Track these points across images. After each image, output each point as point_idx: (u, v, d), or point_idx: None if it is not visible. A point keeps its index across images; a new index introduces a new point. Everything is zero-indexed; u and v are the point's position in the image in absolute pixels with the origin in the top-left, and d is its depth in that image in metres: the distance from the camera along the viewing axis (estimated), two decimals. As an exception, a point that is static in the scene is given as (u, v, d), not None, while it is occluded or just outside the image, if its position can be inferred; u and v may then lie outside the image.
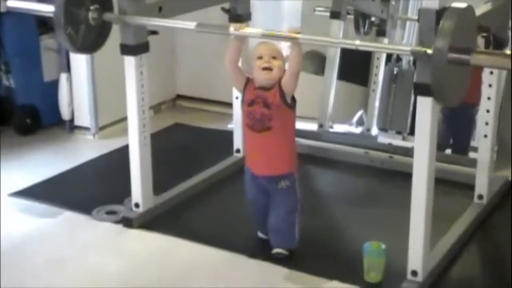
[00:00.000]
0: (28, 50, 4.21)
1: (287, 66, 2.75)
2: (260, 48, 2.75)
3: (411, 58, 3.94)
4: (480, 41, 2.82)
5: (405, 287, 2.63)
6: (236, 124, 3.71)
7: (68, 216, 3.28)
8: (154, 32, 3.11)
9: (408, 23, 4.19)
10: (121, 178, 3.32)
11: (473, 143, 3.78)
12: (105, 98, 4.25)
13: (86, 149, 4.11)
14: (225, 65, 2.81)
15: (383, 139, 3.99)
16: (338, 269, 2.82)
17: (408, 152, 3.47)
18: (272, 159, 2.79)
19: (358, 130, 4.12)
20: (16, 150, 4.05)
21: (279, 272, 2.80)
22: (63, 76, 4.25)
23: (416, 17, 3.94)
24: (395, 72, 4.06)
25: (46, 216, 3.29)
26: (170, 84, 4.86)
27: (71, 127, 4.32)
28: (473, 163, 3.37)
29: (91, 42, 3.07)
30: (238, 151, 3.75)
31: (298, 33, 2.66)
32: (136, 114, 3.10)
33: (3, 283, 2.73)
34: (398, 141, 3.95)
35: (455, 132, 3.85)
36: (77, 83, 4.25)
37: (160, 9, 3.10)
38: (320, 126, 4.15)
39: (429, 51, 2.37)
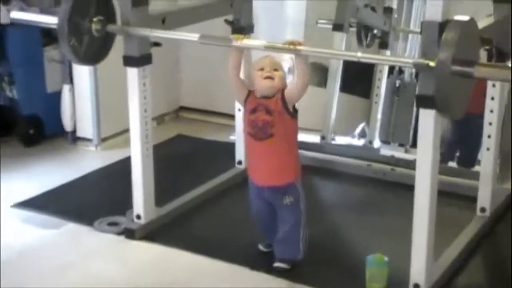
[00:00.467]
0: (31, 61, 4.22)
1: (290, 78, 2.75)
2: (261, 61, 2.79)
3: (413, 70, 3.96)
4: (483, 54, 2.82)
5: (407, 300, 2.62)
6: (238, 136, 3.71)
7: (70, 227, 3.28)
8: (157, 44, 3.12)
9: (410, 35, 4.21)
10: (123, 189, 3.32)
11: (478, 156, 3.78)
12: (107, 110, 4.26)
13: (88, 160, 4.11)
14: (228, 76, 2.82)
15: (386, 151, 4.00)
16: (340, 280, 2.81)
17: (410, 165, 3.47)
18: (275, 167, 2.78)
19: (361, 142, 4.13)
20: (19, 160, 4.05)
21: (280, 284, 2.80)
22: (66, 88, 4.26)
23: (418, 30, 3.99)
24: (397, 85, 4.07)
25: (48, 227, 3.29)
26: (173, 95, 4.86)
27: (74, 138, 4.32)
28: (475, 175, 3.36)
29: (94, 54, 3.08)
30: (240, 162, 3.75)
31: (300, 44, 2.66)
32: (138, 126, 3.11)
33: (4, 294, 2.73)
34: (400, 153, 3.96)
35: (462, 143, 3.84)
36: (80, 95, 4.26)
37: (163, 20, 3.12)
38: (323, 138, 4.15)
39: (432, 64, 2.38)
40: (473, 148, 3.83)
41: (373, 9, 4.08)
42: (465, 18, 2.39)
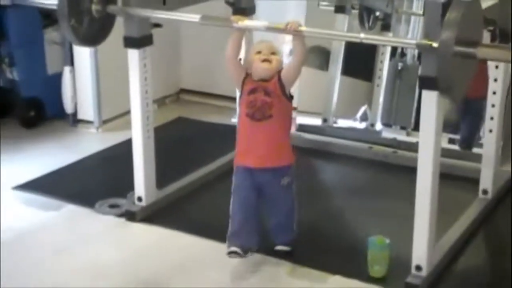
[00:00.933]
0: (32, 43, 4.20)
1: (288, 60, 2.74)
2: (259, 45, 2.80)
3: (416, 53, 3.93)
4: (486, 35, 2.80)
5: (409, 281, 2.62)
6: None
7: (71, 209, 3.28)
8: (157, 25, 3.10)
9: (412, 17, 4.17)
10: (124, 171, 3.32)
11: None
12: (108, 92, 4.25)
13: (89, 143, 4.10)
14: (225, 58, 2.81)
15: (387, 134, 3.99)
16: (342, 263, 2.81)
17: (412, 147, 3.46)
18: (274, 149, 2.77)
19: (362, 125, 4.11)
20: (19, 143, 4.05)
21: (282, 266, 2.80)
22: (67, 69, 4.24)
23: (421, 12, 3.95)
24: (399, 67, 4.05)
25: (49, 209, 3.29)
26: (174, 78, 4.85)
27: (75, 120, 4.31)
28: (478, 158, 3.35)
29: (95, 35, 3.06)
30: (241, 145, 3.74)
31: (300, 26, 2.66)
32: (139, 107, 3.09)
33: (7, 273, 2.73)
34: (402, 136, 3.95)
35: (462, 125, 3.84)
36: (81, 77, 4.24)
37: (164, 1, 3.09)
38: (324, 121, 4.14)
39: (435, 44, 2.36)
40: (470, 131, 3.82)
41: (375, -10, 4.05)
42: (469, -2, 2.37)
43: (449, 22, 2.31)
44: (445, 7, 2.36)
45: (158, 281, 2.72)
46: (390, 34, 4.07)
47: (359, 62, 4.18)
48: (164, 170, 3.34)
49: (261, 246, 2.87)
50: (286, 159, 2.80)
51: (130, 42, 3.02)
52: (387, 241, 2.72)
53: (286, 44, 4.30)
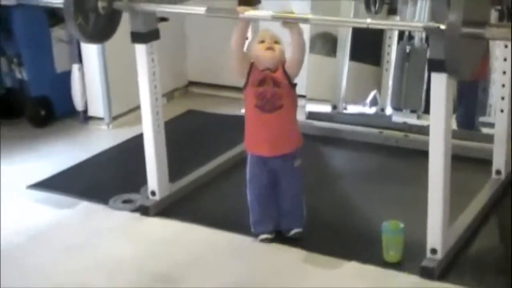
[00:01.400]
0: (39, 42, 4.21)
1: (289, 52, 2.76)
2: (262, 34, 2.83)
3: (424, 35, 3.91)
4: (494, 14, 2.78)
5: (425, 265, 2.62)
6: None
7: (85, 206, 3.30)
8: (164, 19, 3.10)
9: (419, 0, 4.15)
10: (136, 166, 3.33)
11: (488, 119, 3.75)
12: (117, 88, 4.26)
13: (100, 139, 4.12)
14: (230, 48, 2.81)
15: (398, 118, 3.98)
16: (357, 249, 2.81)
17: (423, 130, 3.45)
18: (285, 136, 2.81)
19: (372, 110, 4.10)
20: (31, 142, 4.07)
21: (297, 254, 2.80)
22: (75, 67, 4.25)
23: (427, -6, 3.93)
24: (407, 51, 4.02)
25: (63, 206, 3.31)
26: (182, 71, 4.85)
27: (85, 117, 4.33)
28: (489, 138, 3.34)
29: (102, 31, 3.06)
30: (252, 135, 3.74)
31: (292, 13, 2.71)
32: (149, 102, 3.10)
33: (25, 271, 2.76)
34: (412, 120, 3.93)
35: (460, 106, 3.83)
36: (89, 74, 4.25)
37: (168, -5, 3.09)
38: (334, 107, 4.14)
39: (442, 26, 2.35)
40: (467, 111, 3.81)
41: (381, -26, 4.02)
42: (475, -22, 2.35)
43: (456, 4, 2.29)
44: (451, -11, 2.35)
45: (176, 275, 2.73)
46: (397, 18, 4.05)
47: (367, 47, 4.16)
48: (176, 164, 3.35)
49: (275, 234, 2.89)
50: (296, 144, 2.85)
51: (137, 37, 3.02)
52: (401, 225, 2.72)
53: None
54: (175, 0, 3.12)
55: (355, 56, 4.16)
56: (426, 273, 2.60)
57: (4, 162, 3.77)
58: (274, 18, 2.76)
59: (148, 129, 3.13)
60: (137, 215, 3.17)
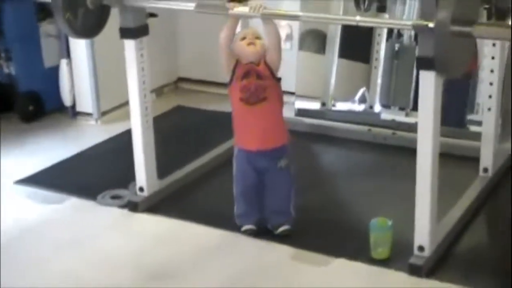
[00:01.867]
0: (27, 37, 4.19)
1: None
2: (244, 32, 2.88)
3: (413, 33, 3.92)
4: (482, 13, 2.79)
5: (412, 262, 2.63)
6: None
7: (74, 202, 3.29)
8: (153, 15, 3.10)
9: (408, -2, 4.16)
10: (125, 162, 3.32)
11: (475, 117, 3.76)
12: (106, 83, 4.24)
13: (89, 135, 4.11)
14: (219, 45, 2.85)
15: (386, 115, 3.99)
16: (345, 246, 2.82)
17: (411, 128, 3.47)
18: (270, 130, 2.83)
19: (361, 107, 4.11)
20: (20, 137, 4.05)
21: (285, 251, 2.81)
22: (64, 62, 4.23)
23: (416, -8, 3.94)
24: (396, 48, 4.03)
25: (51, 202, 3.30)
26: (172, 67, 4.84)
27: (74, 113, 4.31)
28: (477, 136, 3.36)
29: (91, 27, 3.05)
30: (241, 132, 3.74)
31: (262, 7, 2.74)
32: (137, 98, 3.09)
33: (14, 269, 2.75)
34: (401, 117, 3.95)
35: (447, 104, 3.83)
36: (78, 69, 4.24)
37: (158, -9, 3.08)
38: (323, 104, 4.14)
39: (431, 24, 2.36)
40: (458, 109, 3.82)
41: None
42: (464, -24, 2.36)
43: (445, 2, 2.30)
44: (440, -13, 2.35)
45: (169, 272, 2.73)
46: (386, 15, 4.06)
47: (356, 44, 4.16)
48: (165, 160, 3.34)
49: (264, 232, 2.89)
50: (282, 139, 2.86)
51: (126, 32, 3.02)
52: (390, 222, 2.74)
53: (282, 28, 4.30)
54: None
55: (344, 53, 4.16)
56: (414, 270, 2.61)
57: (-9, 157, 3.76)
58: (264, 15, 2.76)
59: (137, 124, 3.13)
60: (125, 211, 3.17)
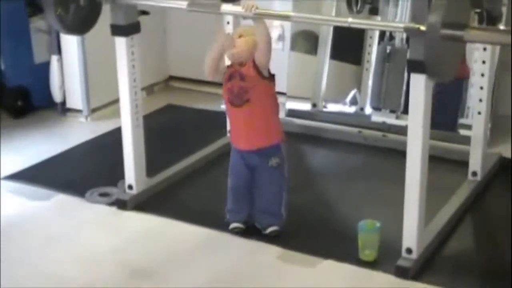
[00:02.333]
0: (18, 32, 4.16)
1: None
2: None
3: (404, 36, 3.93)
4: (473, 17, 2.80)
5: (400, 264, 2.63)
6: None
7: (61, 199, 3.27)
8: (145, 12, 3.09)
9: (400, 1, 4.16)
10: (114, 160, 3.31)
11: (465, 121, 3.78)
12: (97, 80, 4.22)
13: (78, 132, 4.09)
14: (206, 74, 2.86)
15: (377, 117, 3.99)
16: (333, 247, 2.82)
17: (402, 131, 3.47)
18: (259, 130, 2.82)
19: (352, 109, 4.11)
20: (8, 133, 4.02)
21: (273, 251, 2.81)
22: (54, 58, 4.21)
23: (408, -5, 3.94)
24: (388, 51, 4.04)
25: (39, 198, 3.28)
26: (163, 65, 4.83)
27: (63, 109, 4.29)
28: (466, 140, 3.37)
29: (82, 23, 3.03)
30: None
31: (254, 6, 2.71)
32: (128, 95, 3.08)
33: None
34: (391, 120, 3.95)
35: (440, 107, 3.84)
36: (68, 65, 4.22)
37: (150, -12, 3.07)
38: (314, 105, 4.15)
39: (422, 28, 2.36)
40: (450, 113, 3.83)
41: (363, -26, 4.03)
42: (456, -20, 2.36)
43: (436, 5, 2.31)
44: (432, -10, 2.36)
45: (152, 270, 2.73)
46: (378, 18, 4.06)
47: (348, 46, 4.17)
48: (154, 158, 3.34)
49: (252, 231, 2.89)
50: (272, 139, 2.84)
51: (117, 30, 3.00)
52: (378, 224, 2.74)
53: (275, 28, 4.30)
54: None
55: (336, 55, 4.17)
56: (401, 273, 2.62)
57: (-21, 153, 3.74)
58: (257, 15, 2.75)
59: (127, 122, 3.12)
60: (113, 208, 3.16)
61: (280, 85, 4.23)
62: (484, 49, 3.11)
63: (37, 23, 4.21)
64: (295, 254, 2.79)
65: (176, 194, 3.30)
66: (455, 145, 3.61)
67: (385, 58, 4.04)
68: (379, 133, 3.86)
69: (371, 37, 4.08)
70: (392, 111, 3.99)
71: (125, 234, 2.99)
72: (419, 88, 2.50)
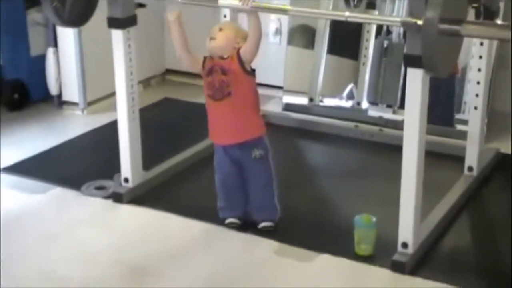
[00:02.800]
0: (14, 25, 4.15)
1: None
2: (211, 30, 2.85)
3: (401, 31, 3.93)
4: (471, 12, 2.80)
5: (396, 259, 2.63)
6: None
7: (58, 192, 3.27)
8: (141, 5, 3.08)
9: (398, -4, 4.17)
10: (110, 153, 3.31)
11: (462, 116, 3.78)
12: (93, 73, 4.21)
13: (75, 125, 4.08)
14: (177, 55, 2.85)
15: (374, 112, 4.00)
16: (329, 242, 2.82)
17: (398, 125, 3.48)
18: (239, 124, 2.80)
19: (349, 103, 4.11)
20: (4, 126, 4.01)
21: (269, 245, 2.81)
22: (50, 51, 4.20)
23: (406, -11, 3.94)
24: (385, 46, 4.04)
25: (35, 192, 3.27)
26: (159, 58, 4.82)
27: (60, 102, 4.28)
28: (463, 135, 3.37)
29: (78, 15, 3.03)
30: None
31: (251, 0, 2.69)
32: (124, 88, 3.08)
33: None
34: (388, 114, 3.96)
35: (434, 103, 3.85)
36: (65, 58, 4.21)
37: (147, -19, 3.07)
38: (310, 100, 4.15)
39: (420, 22, 2.36)
40: (446, 108, 3.83)
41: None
42: (453, -25, 2.36)
43: (434, 0, 2.30)
44: (430, -15, 2.35)
45: (148, 265, 2.72)
46: (376, 12, 4.06)
47: (345, 40, 4.17)
48: (151, 152, 3.33)
49: (247, 224, 2.89)
50: (253, 132, 2.82)
51: (114, 22, 2.99)
52: (374, 219, 2.74)
53: (270, 22, 4.30)
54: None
55: (333, 49, 4.17)
56: (397, 267, 2.62)
57: (-25, 145, 3.73)
58: (253, 8, 2.74)
59: (123, 115, 3.11)
60: (109, 202, 3.15)
61: (277, 79, 4.26)
62: (481, 43, 3.11)
63: (33, 16, 4.19)
64: (291, 248, 2.79)
65: (172, 187, 3.30)
66: (452, 140, 3.61)
67: (382, 53, 4.04)
68: (375, 128, 3.86)
69: (368, 32, 4.08)
70: (389, 106, 4.00)
71: (122, 229, 2.98)
72: (416, 82, 2.49)
